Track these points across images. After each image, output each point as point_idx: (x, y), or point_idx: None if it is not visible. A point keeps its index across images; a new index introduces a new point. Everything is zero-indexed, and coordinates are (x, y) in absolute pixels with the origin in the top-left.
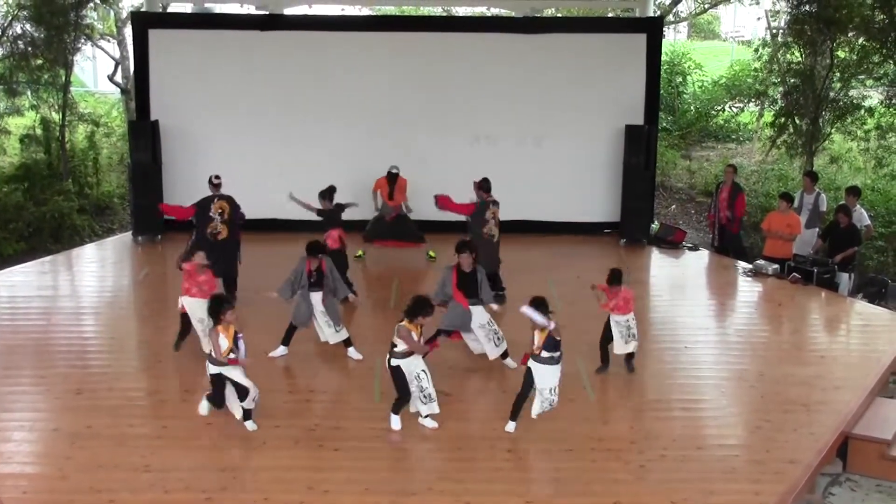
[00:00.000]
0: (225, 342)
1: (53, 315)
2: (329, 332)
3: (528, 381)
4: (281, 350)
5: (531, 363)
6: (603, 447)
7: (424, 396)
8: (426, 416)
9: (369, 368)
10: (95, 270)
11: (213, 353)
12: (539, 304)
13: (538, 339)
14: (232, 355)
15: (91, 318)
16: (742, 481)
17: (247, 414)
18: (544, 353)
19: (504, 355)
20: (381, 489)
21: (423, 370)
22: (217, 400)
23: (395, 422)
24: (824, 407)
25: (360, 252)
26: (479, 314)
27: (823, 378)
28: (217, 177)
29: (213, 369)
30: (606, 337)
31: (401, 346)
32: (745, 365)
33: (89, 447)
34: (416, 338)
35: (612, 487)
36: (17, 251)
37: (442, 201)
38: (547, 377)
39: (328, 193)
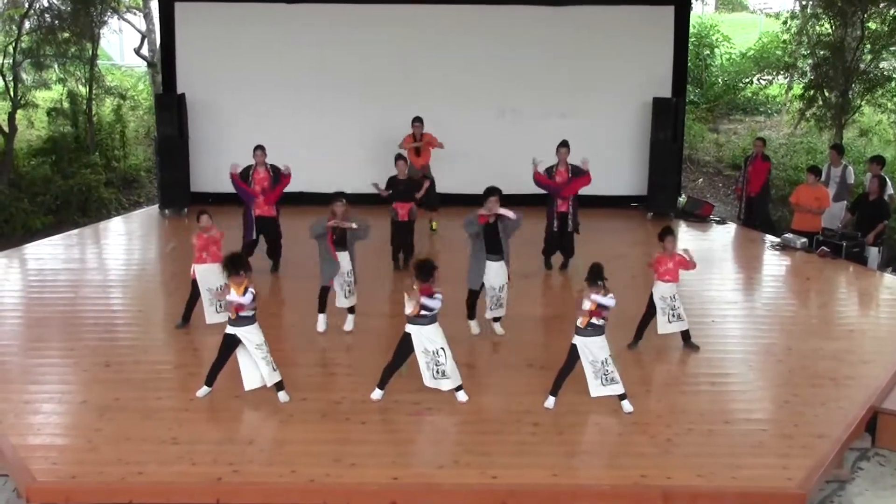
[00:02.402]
0: (234, 296)
1: (81, 288)
2: (342, 299)
3: (573, 357)
4: (321, 320)
5: (576, 339)
6: (630, 421)
7: (438, 372)
8: (458, 390)
9: (395, 341)
10: (122, 243)
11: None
12: (597, 271)
13: (588, 307)
14: (244, 313)
15: (118, 291)
16: (769, 456)
17: (279, 385)
18: (595, 321)
19: (496, 319)
20: (407, 462)
21: (443, 348)
22: (211, 376)
23: (377, 394)
24: (853, 381)
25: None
26: (498, 274)
27: (852, 352)
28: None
29: (229, 329)
30: (649, 314)
31: (408, 309)
32: (772, 339)
33: (117, 419)
34: (415, 300)
35: (638, 461)
36: (44, 224)
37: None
38: (594, 349)
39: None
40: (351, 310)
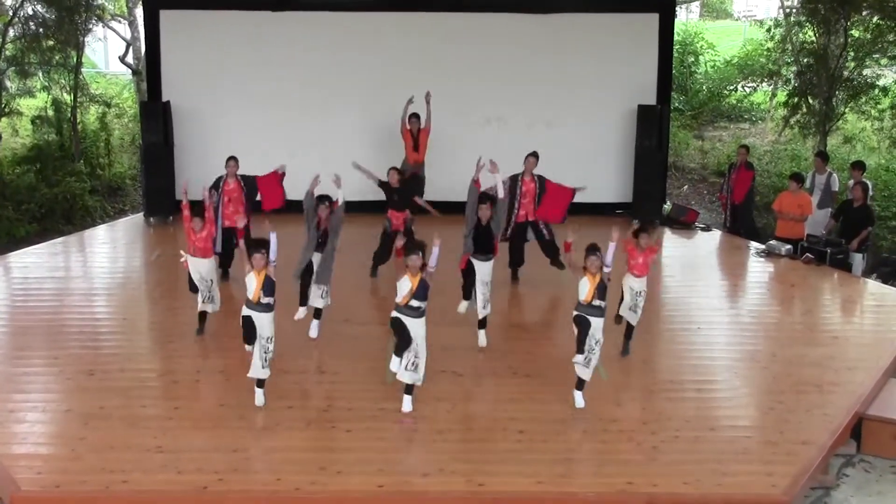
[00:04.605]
0: (253, 283)
1: (65, 296)
2: (315, 297)
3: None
4: (301, 311)
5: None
6: (615, 428)
7: (412, 364)
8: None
9: (381, 349)
10: (107, 252)
11: (248, 295)
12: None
13: (589, 286)
14: (264, 300)
15: (103, 299)
16: (755, 462)
17: (259, 382)
18: (597, 302)
19: (481, 324)
20: (393, 470)
21: (418, 343)
22: (248, 338)
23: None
24: (838, 388)
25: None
26: (486, 270)
27: (837, 359)
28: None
29: (245, 311)
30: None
31: (399, 296)
32: (757, 346)
33: (102, 428)
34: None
35: (624, 468)
36: (29, 232)
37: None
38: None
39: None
40: (317, 314)
